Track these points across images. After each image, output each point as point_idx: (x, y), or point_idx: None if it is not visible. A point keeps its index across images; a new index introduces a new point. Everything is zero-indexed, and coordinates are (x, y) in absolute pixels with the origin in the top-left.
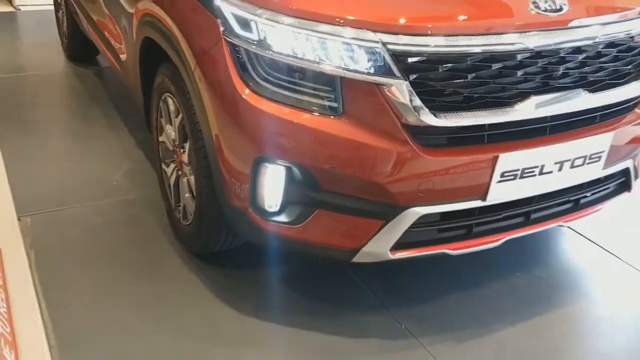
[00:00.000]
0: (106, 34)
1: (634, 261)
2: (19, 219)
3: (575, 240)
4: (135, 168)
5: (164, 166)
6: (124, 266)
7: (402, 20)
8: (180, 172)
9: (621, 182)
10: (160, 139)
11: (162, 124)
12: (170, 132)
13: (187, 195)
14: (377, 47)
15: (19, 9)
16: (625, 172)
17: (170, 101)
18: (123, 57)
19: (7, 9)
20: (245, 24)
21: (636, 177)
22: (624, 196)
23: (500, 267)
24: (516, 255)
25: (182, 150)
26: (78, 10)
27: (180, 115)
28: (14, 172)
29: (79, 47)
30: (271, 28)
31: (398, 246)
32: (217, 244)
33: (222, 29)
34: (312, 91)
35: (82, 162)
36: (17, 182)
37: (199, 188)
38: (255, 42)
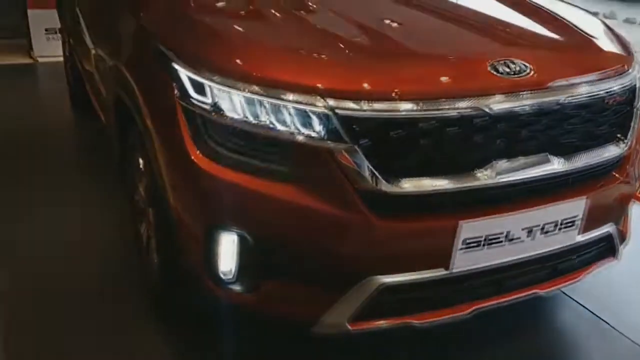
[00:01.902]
0: (96, 87)
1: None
2: None
3: (570, 308)
4: (117, 224)
5: (138, 225)
6: (87, 319)
7: (352, 86)
8: (150, 232)
9: (604, 248)
10: (135, 197)
11: (135, 182)
12: (142, 191)
13: (155, 256)
14: (327, 113)
15: (38, 60)
16: (608, 238)
17: (140, 161)
18: (105, 110)
19: (26, 60)
20: (200, 88)
21: (622, 242)
22: (609, 262)
23: (489, 335)
24: (505, 323)
25: (150, 210)
26: (78, 62)
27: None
28: None
29: (82, 98)
30: (225, 93)
31: (358, 318)
32: (181, 306)
33: (176, 92)
34: (264, 156)
35: (64, 217)
36: None
37: (159, 250)
38: (208, 107)
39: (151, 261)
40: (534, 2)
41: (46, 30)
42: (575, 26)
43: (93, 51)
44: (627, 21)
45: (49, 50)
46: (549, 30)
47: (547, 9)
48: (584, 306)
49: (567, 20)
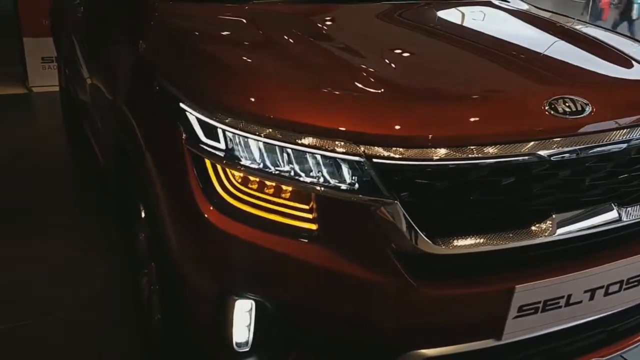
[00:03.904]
0: (93, 123)
1: None
2: None
3: None
4: (113, 274)
5: (138, 276)
6: None
7: (393, 130)
8: (152, 288)
9: None
10: (136, 245)
11: (135, 230)
12: (142, 242)
13: (157, 316)
14: (362, 162)
15: (33, 91)
16: None
17: (141, 208)
18: (103, 150)
19: (21, 90)
20: (211, 132)
21: None
22: None
23: None
24: None
25: (152, 264)
26: (74, 94)
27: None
28: None
29: (79, 133)
30: (242, 138)
31: None
32: None
33: (184, 135)
34: (286, 211)
35: (60, 260)
36: None
37: (161, 309)
38: (221, 153)
39: (151, 318)
40: (578, 29)
41: (43, 59)
42: (631, 57)
43: (89, 83)
44: None
45: (45, 80)
46: (603, 61)
47: (594, 36)
48: None
49: (620, 50)
